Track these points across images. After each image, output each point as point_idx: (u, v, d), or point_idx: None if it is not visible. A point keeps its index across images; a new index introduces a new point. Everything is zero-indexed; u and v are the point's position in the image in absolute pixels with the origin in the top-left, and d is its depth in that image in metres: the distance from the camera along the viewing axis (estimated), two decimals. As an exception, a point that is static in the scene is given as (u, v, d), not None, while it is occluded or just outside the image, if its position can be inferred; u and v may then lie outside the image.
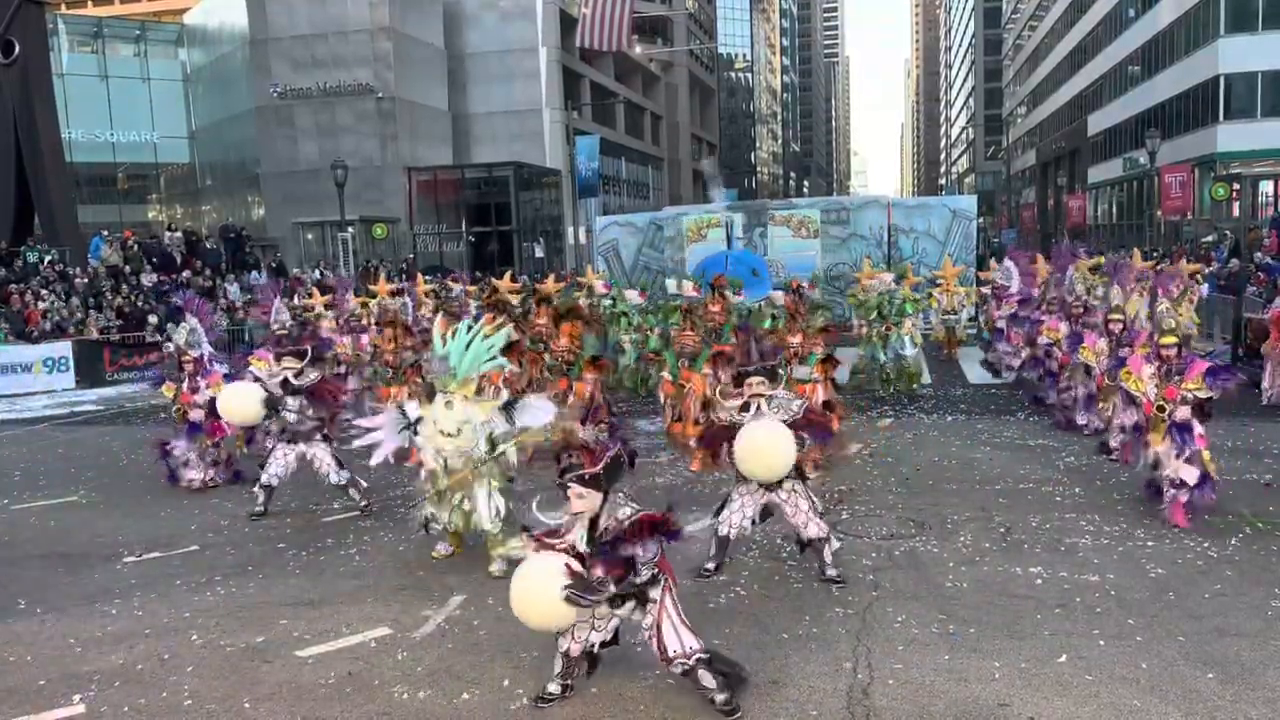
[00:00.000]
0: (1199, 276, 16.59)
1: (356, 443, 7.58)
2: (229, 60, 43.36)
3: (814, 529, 6.18)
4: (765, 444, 5.85)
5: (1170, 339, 7.34)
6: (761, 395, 6.17)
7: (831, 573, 6.18)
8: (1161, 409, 7.16)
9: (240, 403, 8.42)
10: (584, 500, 4.52)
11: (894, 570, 6.37)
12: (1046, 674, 4.81)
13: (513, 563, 6.40)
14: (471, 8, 46.27)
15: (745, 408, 6.17)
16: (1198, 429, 7.10)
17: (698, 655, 4.48)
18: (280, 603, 6.21)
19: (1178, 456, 7.09)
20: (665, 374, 10.13)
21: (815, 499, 6.30)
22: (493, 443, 6.45)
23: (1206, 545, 6.61)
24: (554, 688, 4.69)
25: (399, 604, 6.06)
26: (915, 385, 13.55)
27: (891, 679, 4.80)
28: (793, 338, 9.40)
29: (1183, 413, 7.09)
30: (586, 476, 4.49)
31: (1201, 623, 5.36)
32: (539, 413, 6.48)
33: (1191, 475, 7.00)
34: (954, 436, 10.60)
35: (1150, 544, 6.69)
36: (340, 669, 5.16)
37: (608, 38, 39.99)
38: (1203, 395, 7.04)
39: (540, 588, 4.38)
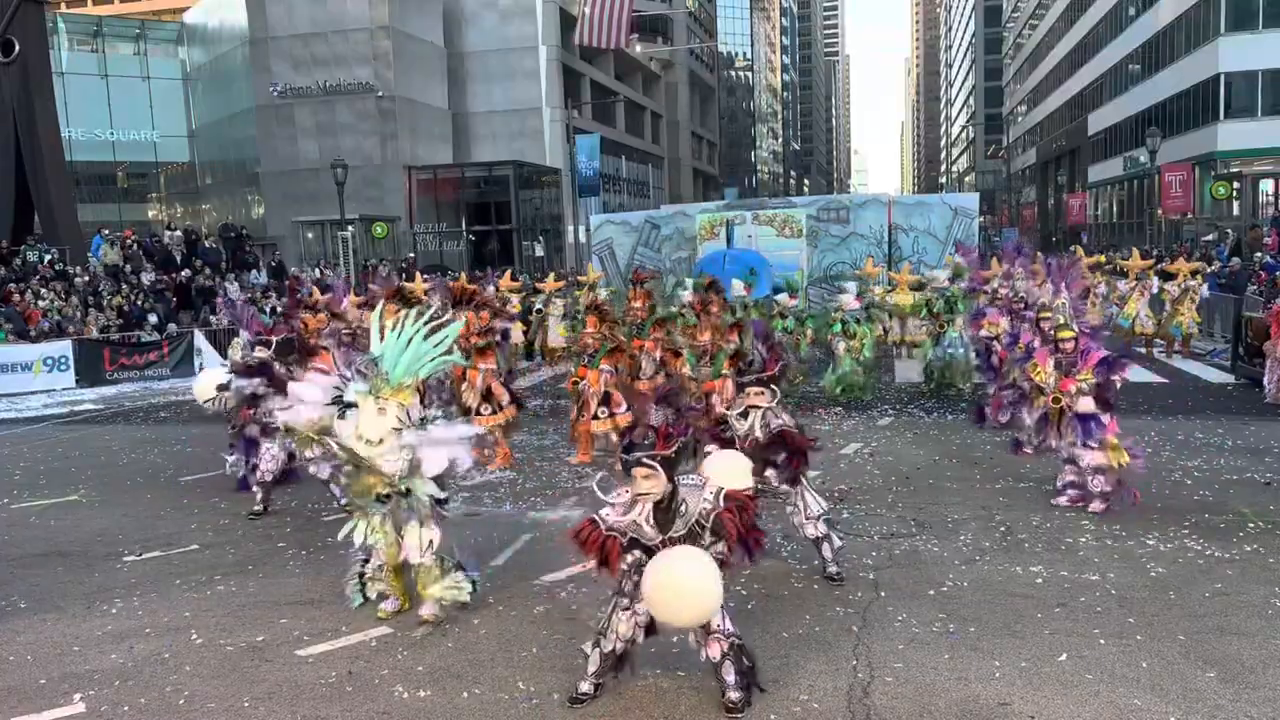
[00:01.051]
0: (1200, 275, 16.62)
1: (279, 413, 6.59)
2: (229, 59, 43.38)
3: (811, 529, 6.17)
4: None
5: (1066, 333, 7.50)
6: (759, 406, 6.11)
7: (832, 570, 6.18)
8: (1058, 400, 7.40)
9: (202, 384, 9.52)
10: (651, 481, 4.41)
11: (894, 569, 6.37)
12: (1047, 673, 4.80)
13: (446, 606, 5.73)
14: (471, 6, 46.28)
15: (744, 415, 6.14)
16: (1104, 418, 7.28)
17: (733, 639, 4.50)
18: (280, 602, 6.21)
19: (1084, 446, 7.30)
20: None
21: (817, 498, 6.28)
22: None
23: (1207, 545, 6.61)
24: (587, 687, 4.67)
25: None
26: (965, 383, 13.02)
27: (892, 678, 4.80)
28: (702, 335, 10.11)
29: (1084, 404, 7.28)
30: (659, 458, 4.39)
31: (1202, 622, 5.35)
32: (440, 451, 5.62)
33: (1097, 457, 7.29)
34: (954, 435, 10.59)
35: (1150, 543, 6.68)
36: (340, 668, 5.16)
37: (607, 35, 39.97)
38: (1091, 382, 7.28)
39: (703, 579, 4.24)
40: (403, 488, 5.58)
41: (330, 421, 5.63)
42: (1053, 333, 7.80)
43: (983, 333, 11.13)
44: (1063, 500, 7.63)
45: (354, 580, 5.95)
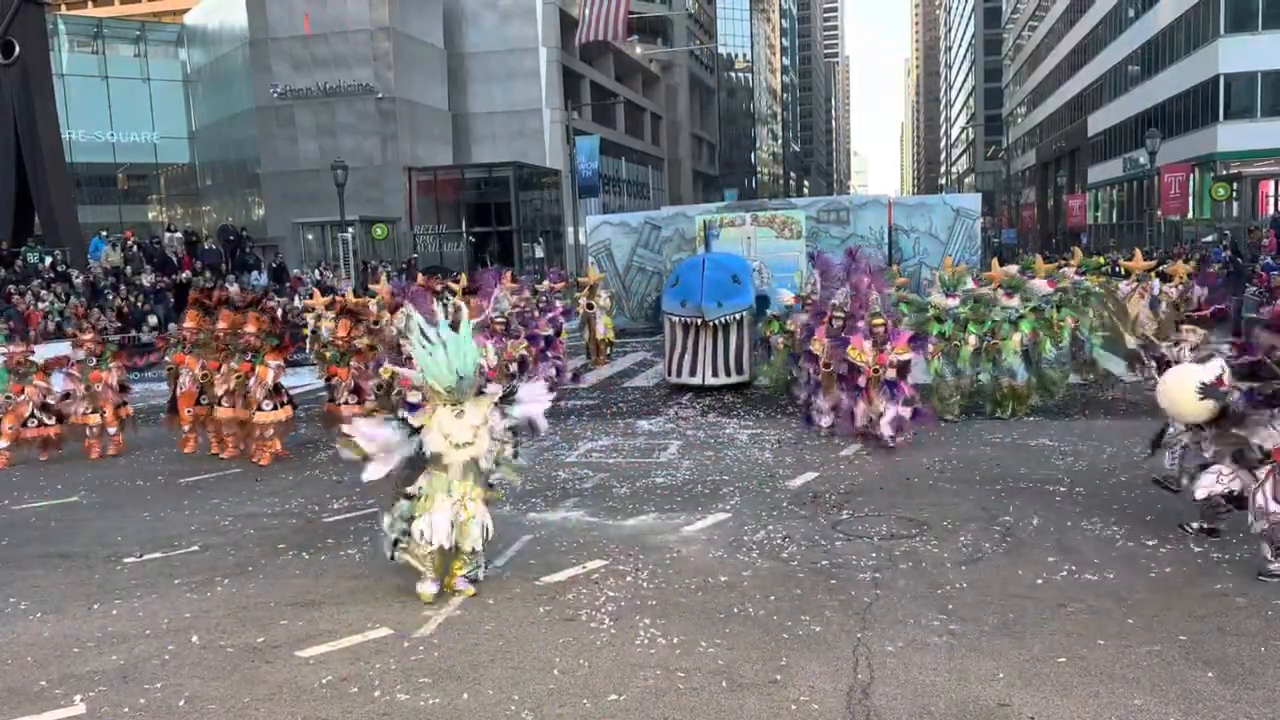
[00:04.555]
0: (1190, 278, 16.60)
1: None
2: (229, 60, 43.41)
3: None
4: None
5: (878, 320, 9.81)
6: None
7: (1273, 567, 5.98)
8: (877, 372, 9.66)
9: None
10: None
11: (894, 570, 6.37)
12: (1047, 674, 4.81)
13: (475, 580, 6.15)
14: (471, 7, 46.31)
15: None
16: (903, 384, 9.74)
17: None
18: (280, 603, 6.21)
19: (889, 402, 9.71)
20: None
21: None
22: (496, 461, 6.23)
23: (1207, 545, 6.61)
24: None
25: (399, 604, 6.06)
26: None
27: (892, 678, 4.81)
28: (248, 326, 10.78)
29: (890, 373, 9.66)
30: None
31: (1202, 622, 5.36)
32: (536, 403, 6.34)
33: (906, 411, 9.78)
34: (954, 436, 10.59)
35: (1150, 544, 6.69)
36: (340, 669, 5.16)
37: (604, 29, 40.13)
38: (904, 358, 9.71)
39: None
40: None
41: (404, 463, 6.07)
42: (869, 319, 9.87)
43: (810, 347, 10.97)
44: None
45: (389, 541, 6.20)
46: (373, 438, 6.04)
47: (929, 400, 10.83)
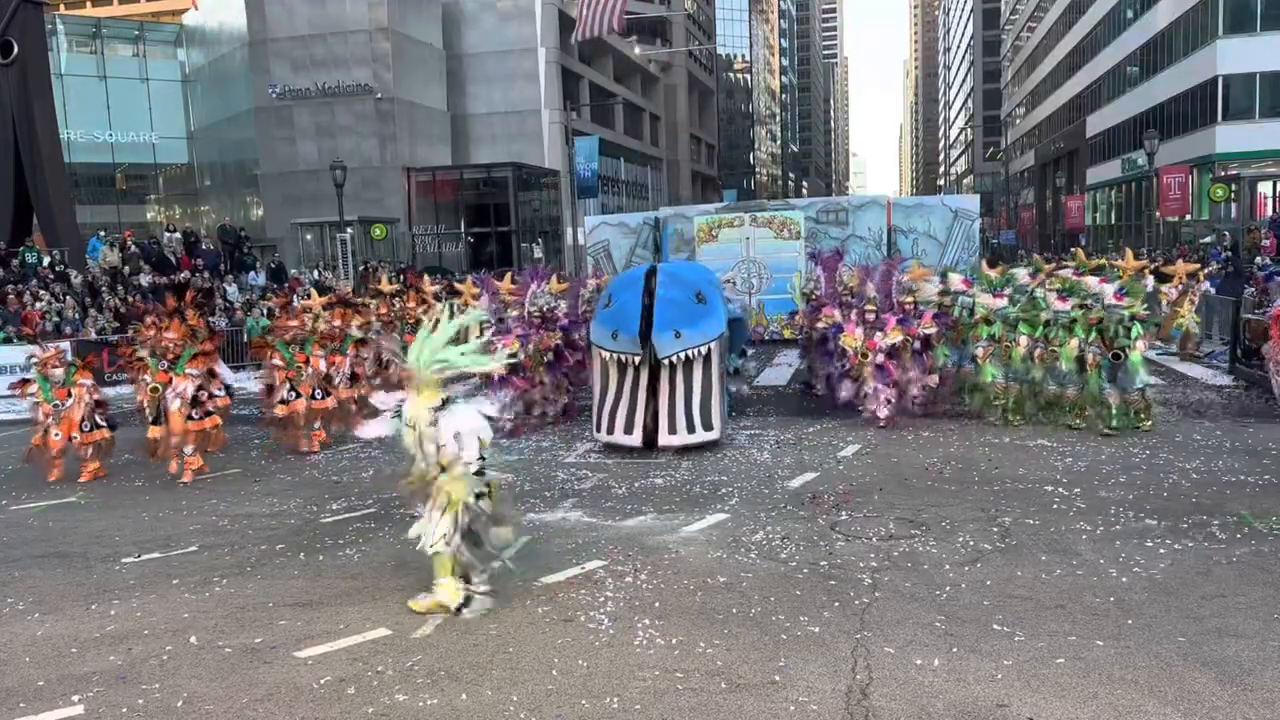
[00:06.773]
0: (1199, 276, 16.63)
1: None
2: (228, 61, 43.42)
3: None
4: None
5: (909, 299, 11.66)
6: None
7: None
8: (907, 341, 11.09)
9: None
10: None
11: (893, 571, 6.37)
12: (1045, 674, 4.81)
13: (433, 606, 5.83)
14: (470, 8, 46.33)
15: None
16: (927, 355, 11.30)
17: None
18: (279, 603, 6.21)
19: (917, 369, 11.14)
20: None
21: None
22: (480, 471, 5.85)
23: (1206, 546, 6.62)
24: None
25: (397, 605, 6.06)
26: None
27: (890, 679, 4.81)
28: (168, 333, 10.38)
29: (918, 344, 11.22)
30: None
31: (1200, 623, 5.36)
32: (465, 419, 5.73)
33: (934, 379, 11.35)
34: (953, 436, 10.60)
35: (1149, 544, 6.69)
36: (339, 670, 5.16)
37: (600, 26, 40.21)
38: (929, 331, 11.17)
39: None
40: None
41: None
42: (901, 299, 11.73)
43: (820, 324, 12.50)
44: (884, 412, 11.04)
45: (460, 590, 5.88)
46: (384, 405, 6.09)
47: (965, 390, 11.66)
